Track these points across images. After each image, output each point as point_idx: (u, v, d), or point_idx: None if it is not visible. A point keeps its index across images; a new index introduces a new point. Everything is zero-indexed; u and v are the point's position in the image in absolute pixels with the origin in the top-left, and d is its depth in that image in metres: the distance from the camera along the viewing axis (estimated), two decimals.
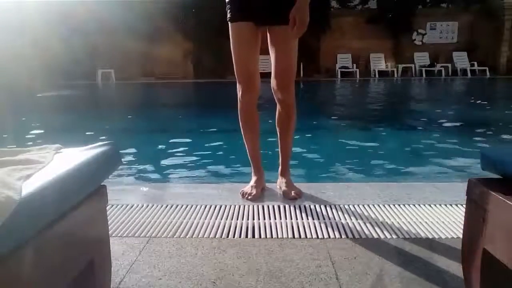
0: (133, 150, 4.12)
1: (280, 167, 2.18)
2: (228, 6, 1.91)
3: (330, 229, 1.66)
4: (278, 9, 1.81)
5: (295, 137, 2.16)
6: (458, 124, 5.85)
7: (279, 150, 2.16)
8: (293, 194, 2.03)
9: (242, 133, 2.13)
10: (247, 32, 1.88)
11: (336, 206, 1.92)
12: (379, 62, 16.34)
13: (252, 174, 2.18)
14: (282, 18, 1.79)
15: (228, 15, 1.91)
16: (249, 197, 2.01)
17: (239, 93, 2.01)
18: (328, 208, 1.89)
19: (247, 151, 2.18)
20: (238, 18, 1.88)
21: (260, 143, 2.18)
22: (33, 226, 0.73)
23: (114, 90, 13.43)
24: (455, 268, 1.32)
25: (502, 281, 1.01)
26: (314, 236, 1.61)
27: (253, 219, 1.78)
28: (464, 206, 1.10)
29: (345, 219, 1.76)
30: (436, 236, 1.59)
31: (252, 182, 2.12)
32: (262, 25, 1.89)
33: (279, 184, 2.15)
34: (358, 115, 7.05)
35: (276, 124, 2.10)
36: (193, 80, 15.21)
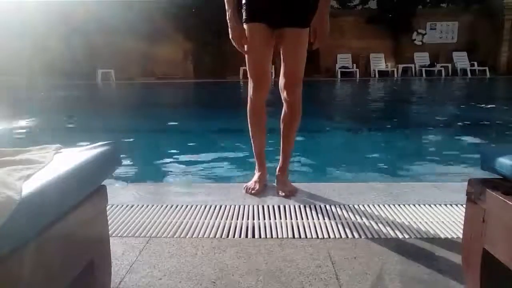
0: (133, 150, 4.12)
1: (279, 164, 2.21)
2: (244, 7, 1.95)
3: (330, 229, 1.66)
4: (291, 12, 1.89)
5: (296, 137, 2.17)
6: (458, 124, 5.85)
7: (281, 147, 2.19)
8: (285, 192, 2.06)
9: (250, 129, 2.16)
10: (261, 33, 1.93)
11: (336, 206, 1.92)
12: (379, 62, 16.35)
13: (256, 169, 2.23)
14: (294, 21, 1.90)
15: (244, 16, 1.95)
16: (252, 192, 2.07)
17: (251, 91, 2.04)
18: (328, 208, 1.89)
19: (253, 147, 2.21)
20: (253, 19, 1.93)
21: (266, 140, 2.22)
22: (33, 226, 0.73)
23: (114, 90, 13.43)
24: (455, 268, 1.32)
25: (502, 281, 1.01)
26: (314, 236, 1.61)
27: (253, 219, 1.78)
28: (464, 206, 1.10)
29: (345, 219, 1.76)
30: (436, 236, 1.59)
31: (255, 177, 2.17)
32: (275, 27, 1.93)
33: (276, 181, 2.18)
34: (358, 115, 7.05)
35: (281, 122, 2.14)
36: (193, 80, 15.21)
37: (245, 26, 1.95)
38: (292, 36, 1.92)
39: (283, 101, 2.07)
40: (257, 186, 2.10)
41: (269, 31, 1.93)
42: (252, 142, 2.20)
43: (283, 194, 2.06)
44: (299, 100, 2.04)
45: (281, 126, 2.14)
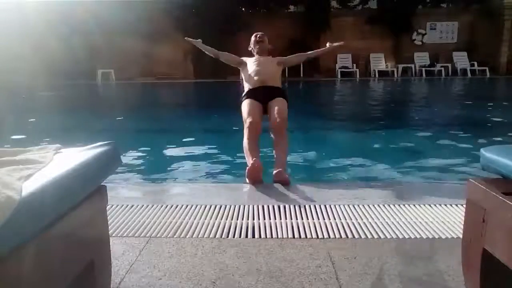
0: (133, 150, 4.12)
1: (275, 169, 2.42)
2: (244, 94, 2.96)
3: (330, 229, 1.66)
4: (272, 96, 2.89)
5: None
6: (458, 124, 5.85)
7: (274, 155, 2.55)
8: (278, 178, 2.30)
9: (244, 145, 2.61)
10: (254, 102, 2.85)
11: (336, 206, 1.92)
12: (379, 62, 16.32)
13: (248, 161, 2.47)
14: (274, 97, 2.88)
15: (244, 97, 2.93)
16: (254, 175, 2.30)
17: (246, 131, 2.65)
18: (328, 208, 1.89)
19: (245, 151, 2.57)
20: (249, 98, 2.88)
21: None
22: (33, 226, 0.73)
23: (114, 90, 13.42)
24: (455, 268, 1.32)
25: (502, 281, 1.01)
26: (314, 236, 1.61)
27: (253, 219, 1.78)
28: (464, 206, 1.10)
29: (345, 219, 1.76)
30: (436, 236, 1.59)
31: (250, 163, 2.37)
32: (263, 103, 2.86)
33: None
34: (358, 115, 7.05)
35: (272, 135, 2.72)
36: (193, 80, 15.20)
37: (243, 102, 2.90)
38: (274, 101, 2.86)
39: (273, 136, 2.71)
40: (256, 166, 2.32)
41: (258, 103, 2.86)
42: (244, 153, 2.59)
43: (275, 179, 2.31)
44: (285, 136, 2.69)
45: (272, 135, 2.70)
